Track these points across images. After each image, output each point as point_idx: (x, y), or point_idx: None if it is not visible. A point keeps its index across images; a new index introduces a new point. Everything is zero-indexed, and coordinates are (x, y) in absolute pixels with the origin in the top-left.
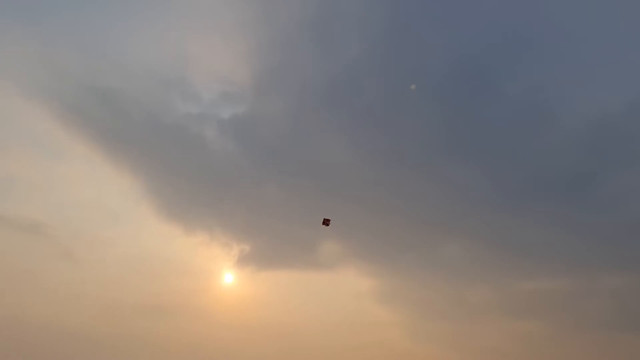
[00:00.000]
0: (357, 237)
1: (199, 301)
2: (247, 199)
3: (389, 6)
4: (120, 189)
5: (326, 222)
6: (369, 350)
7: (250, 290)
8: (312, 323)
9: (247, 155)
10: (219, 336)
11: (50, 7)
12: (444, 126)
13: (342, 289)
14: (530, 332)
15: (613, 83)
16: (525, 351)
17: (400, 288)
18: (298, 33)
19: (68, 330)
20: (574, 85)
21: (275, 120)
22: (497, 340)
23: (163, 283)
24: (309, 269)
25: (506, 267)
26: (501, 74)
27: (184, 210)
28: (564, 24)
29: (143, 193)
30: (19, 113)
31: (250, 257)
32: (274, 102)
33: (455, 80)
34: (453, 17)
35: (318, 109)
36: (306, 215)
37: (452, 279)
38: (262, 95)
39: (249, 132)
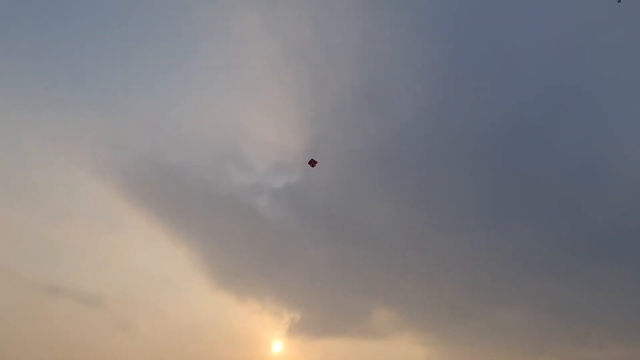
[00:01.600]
0: (411, 304)
1: None
2: (299, 266)
3: (440, 70)
4: (176, 259)
5: (312, 162)
6: None
7: (301, 359)
8: None
9: (299, 224)
10: None
11: (111, 81)
12: (497, 187)
13: (395, 358)
14: None
15: None
16: None
17: (457, 357)
18: (349, 101)
19: None
20: (632, 136)
21: (326, 187)
22: None
23: (215, 352)
24: (361, 337)
25: (571, 335)
26: (552, 129)
27: (237, 278)
28: (614, 70)
29: (198, 263)
30: (82, 185)
31: (301, 326)
32: (325, 169)
33: (505, 139)
34: (502, 75)
35: (370, 175)
36: (358, 283)
37: (513, 347)
38: None
39: (300, 201)
